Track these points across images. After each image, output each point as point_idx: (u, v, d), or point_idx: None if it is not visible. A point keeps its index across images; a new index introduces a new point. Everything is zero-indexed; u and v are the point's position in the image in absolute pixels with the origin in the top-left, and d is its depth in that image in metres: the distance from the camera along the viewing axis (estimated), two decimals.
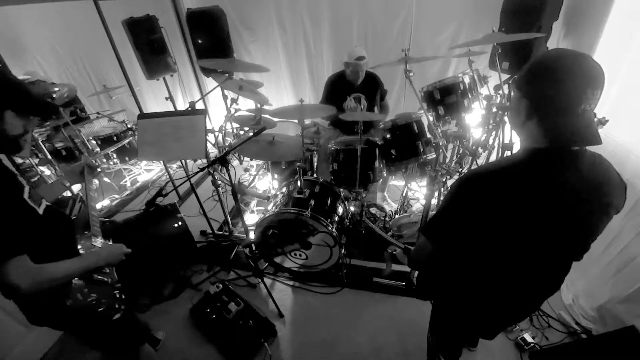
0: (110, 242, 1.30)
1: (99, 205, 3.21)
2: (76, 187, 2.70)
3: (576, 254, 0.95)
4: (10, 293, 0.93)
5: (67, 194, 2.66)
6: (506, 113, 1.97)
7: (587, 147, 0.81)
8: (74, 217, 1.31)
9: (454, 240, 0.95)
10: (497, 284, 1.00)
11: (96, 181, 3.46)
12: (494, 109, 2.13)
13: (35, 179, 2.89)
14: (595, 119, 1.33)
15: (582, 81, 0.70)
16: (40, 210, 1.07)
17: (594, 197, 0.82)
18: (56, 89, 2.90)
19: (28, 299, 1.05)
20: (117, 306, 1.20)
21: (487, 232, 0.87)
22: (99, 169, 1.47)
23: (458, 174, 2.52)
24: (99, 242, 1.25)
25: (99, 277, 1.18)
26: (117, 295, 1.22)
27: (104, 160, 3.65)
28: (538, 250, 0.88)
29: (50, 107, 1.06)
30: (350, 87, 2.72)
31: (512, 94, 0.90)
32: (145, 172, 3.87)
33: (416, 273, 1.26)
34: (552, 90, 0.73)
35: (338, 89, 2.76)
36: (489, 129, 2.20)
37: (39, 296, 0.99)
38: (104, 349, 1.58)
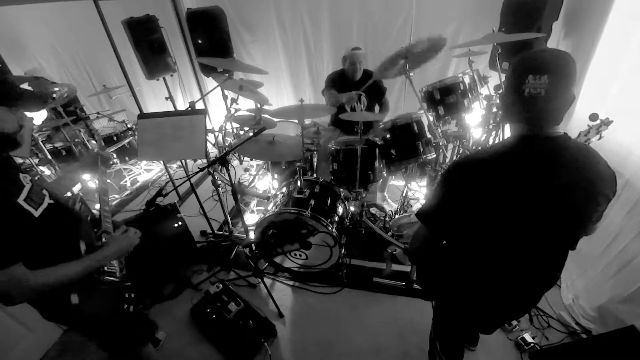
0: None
1: (98, 205, 3.20)
2: (74, 187, 2.71)
3: (568, 241, 0.98)
4: (4, 301, 0.90)
5: (67, 193, 2.67)
6: None
7: (573, 138, 0.90)
8: (86, 216, 1.28)
9: (447, 223, 1.02)
10: (492, 271, 1.03)
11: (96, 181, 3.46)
12: (494, 109, 2.14)
13: (35, 178, 2.89)
14: (598, 120, 1.36)
15: (522, 68, 0.84)
16: (37, 213, 1.02)
17: (577, 183, 0.87)
18: (56, 89, 2.90)
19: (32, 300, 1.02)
20: (125, 307, 1.18)
21: (476, 214, 0.94)
22: (111, 161, 1.45)
23: None
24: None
25: (108, 278, 1.16)
26: (127, 296, 1.20)
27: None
28: (524, 232, 0.93)
29: (38, 96, 1.02)
30: (349, 84, 2.72)
31: None
32: (145, 172, 3.87)
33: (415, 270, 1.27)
34: (506, 81, 0.91)
35: (338, 86, 2.77)
36: (489, 129, 2.20)
37: (45, 296, 0.97)
38: (107, 347, 1.57)
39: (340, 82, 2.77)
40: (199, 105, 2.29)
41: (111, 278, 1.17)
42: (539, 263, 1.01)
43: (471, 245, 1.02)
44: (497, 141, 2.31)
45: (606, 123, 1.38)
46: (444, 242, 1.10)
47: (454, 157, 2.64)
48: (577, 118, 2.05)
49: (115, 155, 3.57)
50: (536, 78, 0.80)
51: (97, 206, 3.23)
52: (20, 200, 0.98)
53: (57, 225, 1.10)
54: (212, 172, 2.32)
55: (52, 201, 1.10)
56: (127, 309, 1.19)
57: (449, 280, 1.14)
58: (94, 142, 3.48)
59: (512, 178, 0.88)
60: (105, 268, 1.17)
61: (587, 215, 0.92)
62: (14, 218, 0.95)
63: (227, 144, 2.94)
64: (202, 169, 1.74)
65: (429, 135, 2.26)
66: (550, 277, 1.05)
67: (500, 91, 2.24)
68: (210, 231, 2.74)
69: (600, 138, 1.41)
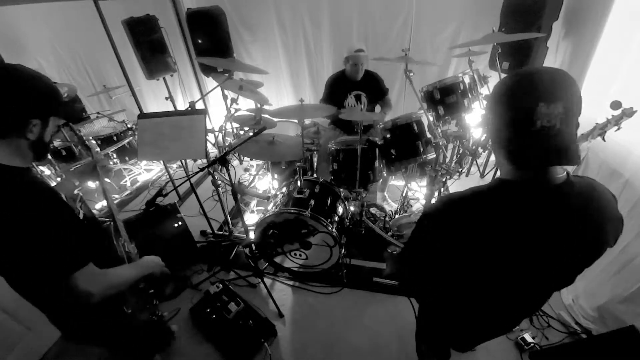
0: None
1: (99, 205, 3.21)
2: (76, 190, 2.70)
3: (557, 285, 0.91)
4: (83, 301, 0.89)
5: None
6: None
7: (583, 179, 0.77)
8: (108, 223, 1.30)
9: (425, 266, 0.93)
10: (469, 304, 0.98)
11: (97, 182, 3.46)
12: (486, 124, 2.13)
13: None
14: (620, 110, 1.22)
15: (531, 96, 0.66)
16: (81, 216, 1.04)
17: (578, 234, 0.75)
18: None
19: (94, 307, 0.98)
20: (157, 312, 1.23)
21: (455, 260, 0.83)
22: (107, 166, 1.48)
23: (458, 174, 2.52)
24: (132, 246, 1.26)
25: (142, 285, 1.18)
26: (154, 302, 1.24)
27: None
28: (506, 281, 0.84)
29: (76, 110, 1.09)
30: (350, 85, 2.73)
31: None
32: (145, 172, 3.86)
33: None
34: (502, 109, 0.71)
35: (338, 87, 2.77)
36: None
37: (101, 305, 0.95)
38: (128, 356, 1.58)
39: (340, 83, 2.77)
40: (199, 105, 2.29)
41: (146, 286, 1.19)
42: (525, 302, 0.95)
43: (449, 281, 0.93)
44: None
45: (628, 114, 1.23)
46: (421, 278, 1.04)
47: (454, 157, 2.64)
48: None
49: (115, 155, 3.57)
50: (550, 107, 0.63)
51: (97, 206, 3.23)
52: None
53: (95, 230, 1.12)
54: (212, 172, 2.32)
55: (82, 210, 1.12)
56: (160, 316, 1.23)
57: (428, 301, 1.13)
58: (93, 142, 3.48)
59: (501, 233, 0.75)
60: None
61: (588, 264, 0.83)
62: (75, 220, 0.96)
63: (227, 144, 2.94)
64: (202, 169, 1.74)
65: (429, 135, 2.26)
66: (533, 307, 1.02)
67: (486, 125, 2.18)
68: (210, 231, 2.74)
69: (618, 129, 1.28)
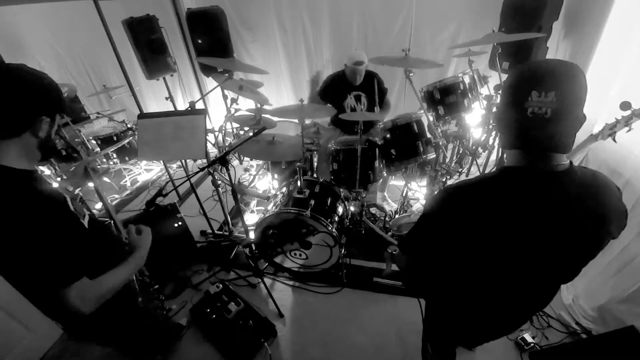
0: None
1: (99, 205, 3.21)
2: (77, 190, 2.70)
3: (562, 278, 0.92)
4: (74, 314, 0.89)
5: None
6: None
7: (587, 170, 0.80)
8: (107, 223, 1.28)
9: (429, 254, 0.94)
10: (475, 298, 0.97)
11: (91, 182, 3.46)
12: (494, 109, 2.14)
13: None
14: (629, 111, 1.23)
15: (524, 81, 0.71)
16: (86, 223, 1.01)
17: (579, 222, 0.76)
18: None
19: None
20: (165, 307, 1.20)
21: (460, 249, 0.84)
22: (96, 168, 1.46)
23: (458, 174, 2.53)
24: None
25: (145, 278, 1.17)
26: (160, 297, 1.23)
27: (104, 160, 3.65)
28: (511, 271, 0.85)
29: (75, 109, 1.09)
30: (350, 85, 2.73)
31: None
32: (145, 172, 3.86)
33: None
34: (506, 96, 0.76)
35: (338, 87, 2.77)
36: (489, 129, 2.20)
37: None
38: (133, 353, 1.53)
39: (340, 83, 2.77)
40: (199, 105, 2.29)
41: (143, 278, 1.18)
42: (528, 294, 0.94)
43: (453, 272, 0.94)
44: (496, 141, 2.31)
45: (638, 114, 1.24)
46: (425, 267, 1.04)
47: (454, 157, 2.64)
48: None
49: (115, 155, 3.57)
50: (541, 95, 0.67)
51: (97, 206, 3.23)
52: (72, 209, 0.96)
53: (99, 234, 1.11)
54: (212, 172, 2.32)
55: (90, 212, 1.09)
56: (168, 309, 1.20)
57: (433, 295, 1.12)
58: (93, 142, 3.48)
59: (504, 219, 0.76)
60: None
61: (591, 255, 0.83)
62: (76, 230, 0.94)
63: (227, 144, 2.94)
64: (202, 169, 1.74)
65: (429, 135, 2.26)
66: (541, 303, 1.01)
67: (494, 108, 2.16)
68: (210, 231, 2.74)
69: (629, 130, 1.29)
